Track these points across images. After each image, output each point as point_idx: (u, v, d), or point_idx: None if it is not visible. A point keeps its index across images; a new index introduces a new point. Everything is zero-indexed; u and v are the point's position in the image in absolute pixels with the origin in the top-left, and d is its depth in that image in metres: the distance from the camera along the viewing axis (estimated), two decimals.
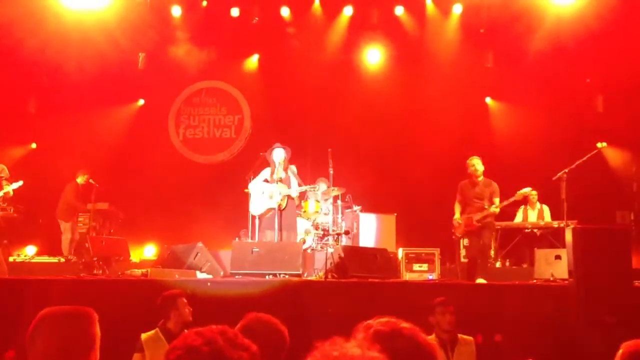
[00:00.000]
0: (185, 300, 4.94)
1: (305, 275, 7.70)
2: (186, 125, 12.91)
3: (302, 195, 9.11)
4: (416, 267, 8.28)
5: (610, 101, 11.18)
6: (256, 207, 8.54)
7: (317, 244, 9.52)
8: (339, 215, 9.95)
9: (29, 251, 10.97)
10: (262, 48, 12.59)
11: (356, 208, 10.24)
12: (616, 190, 10.77)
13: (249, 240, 8.81)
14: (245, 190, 8.88)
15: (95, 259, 8.68)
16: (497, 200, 7.93)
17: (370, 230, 10.27)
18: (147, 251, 11.35)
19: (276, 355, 2.56)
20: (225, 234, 10.14)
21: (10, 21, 10.23)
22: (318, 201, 9.58)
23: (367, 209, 10.41)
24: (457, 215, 8.09)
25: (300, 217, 9.20)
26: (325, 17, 12.09)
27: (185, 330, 1.77)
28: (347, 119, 11.53)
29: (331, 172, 8.82)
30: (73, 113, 11.80)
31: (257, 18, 11.96)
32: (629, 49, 10.32)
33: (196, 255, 7.81)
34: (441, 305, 4.94)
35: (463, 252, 9.95)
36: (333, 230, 9.54)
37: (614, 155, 10.84)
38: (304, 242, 9.14)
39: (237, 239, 9.50)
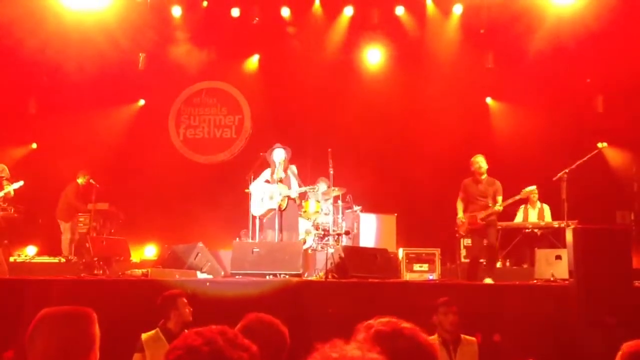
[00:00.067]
0: (186, 300, 4.95)
1: (305, 275, 7.70)
2: (186, 125, 12.91)
3: (303, 196, 9.11)
4: (416, 267, 8.29)
5: (610, 101, 11.17)
6: (257, 207, 8.55)
7: (318, 244, 9.52)
8: (340, 216, 9.95)
9: (30, 251, 10.98)
10: (263, 48, 12.59)
11: (356, 208, 10.23)
12: (616, 190, 10.77)
13: (250, 241, 8.81)
14: (246, 191, 8.88)
15: (95, 259, 8.68)
16: (500, 198, 7.94)
17: (370, 230, 10.27)
18: (148, 251, 11.35)
19: (277, 355, 2.56)
20: (225, 234, 10.13)
21: (10, 21, 10.24)
22: (318, 201, 9.58)
23: (367, 209, 10.41)
24: (460, 213, 8.09)
25: (300, 217, 9.20)
26: (325, 17, 12.08)
27: (186, 330, 1.77)
28: (347, 119, 11.53)
29: (331, 172, 8.82)
30: (73, 113, 11.80)
31: (257, 18, 11.95)
32: (629, 49, 10.32)
33: (197, 255, 7.81)
34: (444, 305, 4.95)
35: (463, 252, 9.98)
36: (333, 231, 9.54)
37: (614, 156, 10.83)
38: (305, 242, 9.13)
39: (237, 239, 9.50)
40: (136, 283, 6.82)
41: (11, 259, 9.46)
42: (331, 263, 7.49)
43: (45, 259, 10.16)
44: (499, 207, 7.92)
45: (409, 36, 11.94)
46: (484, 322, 5.83)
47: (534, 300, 6.28)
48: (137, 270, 7.47)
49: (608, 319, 5.31)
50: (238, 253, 7.54)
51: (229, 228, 10.35)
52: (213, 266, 7.93)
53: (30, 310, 3.03)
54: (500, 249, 9.41)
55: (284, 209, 8.38)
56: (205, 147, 12.81)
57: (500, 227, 9.29)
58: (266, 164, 8.70)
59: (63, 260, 10.06)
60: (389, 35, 12.06)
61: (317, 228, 9.57)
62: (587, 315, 5.49)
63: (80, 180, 10.93)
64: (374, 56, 12.31)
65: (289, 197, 8.40)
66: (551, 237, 9.33)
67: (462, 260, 9.81)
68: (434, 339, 4.82)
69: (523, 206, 9.87)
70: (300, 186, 8.54)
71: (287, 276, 7.07)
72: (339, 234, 9.59)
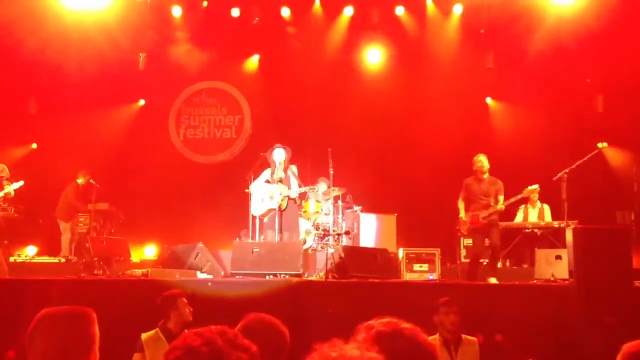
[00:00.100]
0: (186, 300, 4.95)
1: (306, 275, 7.70)
2: (186, 125, 12.91)
3: (303, 196, 9.11)
4: (416, 267, 8.30)
5: (610, 101, 11.17)
6: (257, 207, 8.55)
7: (318, 244, 9.52)
8: (340, 216, 9.95)
9: (30, 251, 10.98)
10: (263, 48, 12.59)
11: (356, 208, 10.23)
12: (616, 190, 10.77)
13: (250, 241, 8.81)
14: (246, 191, 8.88)
15: (95, 259, 8.68)
16: (501, 198, 7.95)
17: (370, 230, 10.26)
18: (148, 251, 11.35)
19: (277, 355, 2.56)
20: (225, 234, 10.13)
21: (10, 21, 10.24)
22: (318, 201, 9.58)
23: (367, 209, 10.41)
24: (462, 212, 8.09)
25: (300, 217, 9.19)
26: (325, 17, 12.08)
27: (186, 330, 1.77)
28: (347, 119, 11.53)
29: (331, 172, 8.82)
30: (73, 113, 11.80)
31: (257, 18, 11.95)
32: (629, 49, 10.32)
33: (197, 255, 7.81)
34: (445, 305, 4.96)
35: (463, 252, 9.98)
36: (333, 231, 9.53)
37: (614, 156, 10.83)
38: (305, 242, 9.13)
39: (237, 239, 9.49)
40: (136, 283, 6.81)
41: (11, 259, 9.46)
42: (331, 263, 7.49)
43: (45, 259, 10.16)
44: (501, 206, 7.93)
45: (409, 36, 11.94)
46: (484, 322, 5.83)
47: (534, 300, 6.28)
48: (137, 270, 7.47)
49: (608, 319, 5.31)
50: (238, 253, 7.54)
51: (229, 228, 10.34)
52: (213, 266, 7.93)
53: (30, 310, 3.03)
54: (500, 249, 9.41)
55: (284, 209, 8.38)
56: (205, 147, 12.81)
57: (500, 227, 9.30)
58: (266, 164, 8.70)
59: (63, 260, 10.06)
60: (389, 35, 12.06)
61: (317, 228, 9.56)
62: (587, 315, 5.49)
63: (80, 181, 10.94)
64: (374, 56, 12.31)
65: (288, 197, 8.40)
66: (551, 237, 9.33)
67: (462, 260, 9.81)
68: (435, 338, 4.83)
69: (523, 206, 9.87)
70: (300, 186, 8.54)
71: (287, 276, 7.07)
72: (339, 234, 9.59)
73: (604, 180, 10.55)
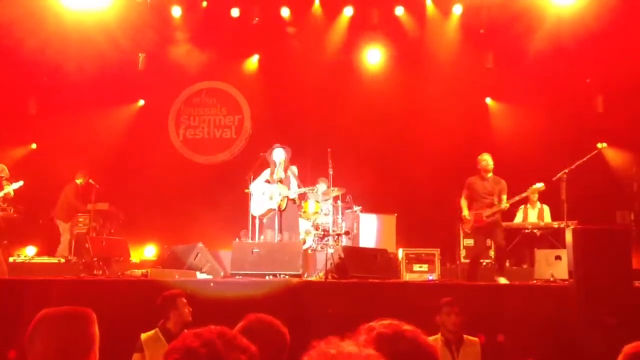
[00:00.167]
0: (185, 301, 4.94)
1: (305, 275, 7.70)
2: (186, 125, 12.91)
3: (303, 196, 9.11)
4: (416, 267, 8.30)
5: (610, 101, 11.17)
6: (257, 207, 8.55)
7: (318, 244, 9.52)
8: (339, 216, 9.95)
9: (29, 252, 10.97)
10: (262, 48, 12.59)
11: (356, 208, 10.23)
12: (616, 190, 10.77)
13: (249, 241, 8.81)
14: (246, 191, 8.88)
15: (95, 259, 8.68)
16: (504, 197, 7.96)
17: (370, 230, 10.26)
18: (147, 251, 11.34)
19: (277, 356, 2.56)
20: (225, 235, 10.13)
21: (10, 21, 10.24)
22: (318, 202, 9.58)
23: (367, 209, 10.41)
24: (465, 211, 8.07)
25: (300, 217, 9.20)
26: (325, 18, 12.08)
27: (185, 331, 1.77)
28: (347, 119, 11.53)
29: (331, 172, 8.82)
30: (73, 113, 11.80)
31: (257, 18, 11.95)
32: (629, 49, 10.32)
33: (196, 255, 7.81)
34: (447, 305, 4.98)
35: (463, 252, 9.98)
36: (333, 231, 9.54)
37: (614, 156, 10.83)
38: (304, 242, 9.13)
39: (237, 239, 9.50)
40: (136, 283, 6.81)
41: (11, 259, 9.45)
42: (331, 263, 7.49)
43: (45, 259, 10.16)
44: (505, 205, 7.95)
45: (409, 36, 11.94)
46: (484, 322, 5.83)
47: (533, 300, 6.27)
48: (136, 270, 7.47)
49: (608, 319, 5.31)
50: (238, 253, 7.54)
51: (228, 228, 10.34)
52: (213, 266, 7.93)
53: (30, 310, 3.03)
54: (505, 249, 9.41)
55: (284, 209, 8.38)
56: (205, 148, 12.81)
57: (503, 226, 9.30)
58: (266, 164, 8.69)
59: (62, 260, 10.06)
60: (388, 35, 12.06)
61: (317, 228, 9.57)
62: (587, 315, 5.49)
63: (79, 181, 10.95)
64: (373, 56, 12.30)
65: (288, 198, 8.40)
66: (551, 238, 9.33)
67: (462, 260, 9.81)
68: (436, 338, 4.86)
69: (523, 206, 9.87)
70: (299, 187, 8.54)
71: (287, 276, 7.07)
72: (338, 234, 9.59)
73: (603, 181, 10.55)
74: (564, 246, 6.99)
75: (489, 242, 8.99)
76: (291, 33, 12.21)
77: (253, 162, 9.03)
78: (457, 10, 11.66)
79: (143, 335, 4.76)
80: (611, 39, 10.39)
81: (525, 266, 9.40)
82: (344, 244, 9.45)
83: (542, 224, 9.67)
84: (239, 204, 9.63)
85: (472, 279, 7.71)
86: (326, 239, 9.50)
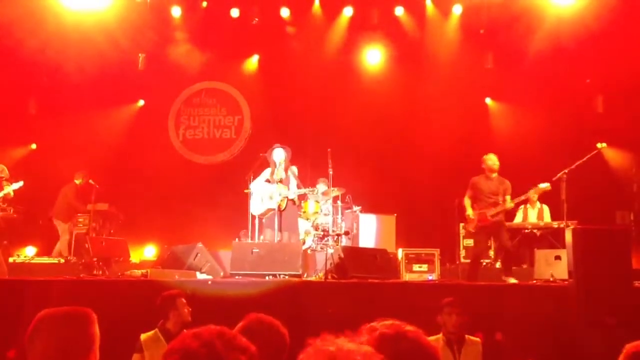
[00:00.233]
0: (185, 301, 4.94)
1: (305, 275, 7.70)
2: (186, 125, 12.90)
3: (302, 196, 9.11)
4: (416, 267, 8.30)
5: (610, 101, 11.17)
6: (256, 207, 8.55)
7: (317, 244, 9.52)
8: (339, 216, 9.95)
9: (29, 252, 10.98)
10: (262, 49, 12.59)
11: (356, 208, 10.23)
12: (616, 190, 10.76)
13: (249, 241, 8.81)
14: (246, 191, 8.89)
15: (95, 259, 8.67)
16: (508, 198, 7.97)
17: (370, 230, 10.27)
18: (147, 252, 11.34)
19: (276, 356, 2.55)
20: (225, 235, 10.13)
21: (10, 21, 10.24)
22: (318, 202, 9.58)
23: (367, 209, 10.41)
24: (469, 210, 8.05)
25: (300, 217, 9.20)
26: (325, 18, 12.09)
27: (185, 331, 1.76)
28: (347, 119, 11.53)
29: (331, 172, 8.82)
30: (73, 114, 11.80)
31: (257, 19, 11.96)
32: (629, 49, 10.32)
33: (196, 255, 7.81)
34: (448, 305, 5.00)
35: (463, 252, 9.98)
36: (333, 231, 9.53)
37: (614, 156, 10.83)
38: (304, 242, 9.13)
39: (237, 239, 9.49)
40: (135, 283, 6.81)
41: (10, 260, 9.45)
42: (331, 263, 7.49)
43: (45, 260, 10.16)
44: (510, 204, 7.98)
45: (409, 37, 11.94)
46: (484, 322, 5.82)
47: (533, 300, 6.28)
48: (136, 270, 7.47)
49: (608, 320, 5.31)
50: (237, 253, 7.54)
51: (228, 228, 10.34)
52: (212, 267, 7.92)
53: (30, 310, 3.03)
54: (499, 249, 9.41)
55: (283, 209, 8.38)
56: (204, 148, 12.80)
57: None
58: (266, 164, 8.70)
59: (62, 260, 10.06)
60: (388, 35, 12.06)
61: (316, 228, 9.57)
62: (587, 315, 5.49)
63: (77, 181, 10.95)
64: (373, 56, 12.30)
65: (287, 198, 8.40)
66: (550, 238, 9.33)
67: (462, 260, 9.81)
68: (437, 338, 4.88)
69: (522, 206, 9.86)
70: (299, 187, 8.54)
71: (286, 277, 7.07)
72: (338, 235, 9.59)
73: (603, 181, 10.55)
74: (563, 246, 6.99)
75: (490, 243, 9.00)
76: (291, 33, 12.21)
77: (253, 162, 9.03)
78: (457, 10, 11.66)
79: (143, 336, 4.76)
80: (611, 39, 10.39)
81: (525, 266, 9.40)
82: (343, 244, 9.45)
83: (542, 224, 9.67)
84: (238, 204, 9.63)
85: (472, 279, 7.71)
86: (326, 239, 9.50)
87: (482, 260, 8.82)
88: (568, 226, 7.38)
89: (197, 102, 12.95)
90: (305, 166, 10.40)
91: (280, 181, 8.45)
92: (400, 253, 8.56)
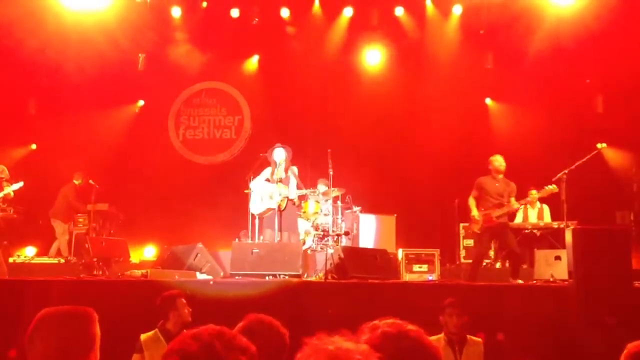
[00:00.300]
0: (185, 301, 4.94)
1: (305, 276, 7.70)
2: (186, 126, 12.90)
3: (303, 196, 9.11)
4: (416, 267, 8.29)
5: (610, 101, 11.17)
6: (256, 206, 8.55)
7: (317, 244, 9.51)
8: (339, 216, 9.94)
9: (29, 252, 10.98)
10: (262, 49, 12.59)
11: (356, 209, 10.23)
12: (616, 190, 10.77)
13: (249, 241, 8.81)
14: (246, 191, 8.89)
15: (95, 259, 8.67)
16: (513, 199, 7.98)
17: (370, 231, 10.26)
18: (147, 252, 11.33)
19: (276, 356, 2.55)
20: (225, 235, 10.13)
21: (10, 21, 10.24)
22: (318, 202, 9.58)
23: (367, 209, 10.40)
24: (474, 211, 8.04)
25: (300, 217, 9.20)
26: (325, 18, 12.09)
27: (185, 331, 1.76)
28: (347, 119, 11.54)
29: (331, 172, 8.82)
30: (73, 114, 11.80)
31: (257, 19, 11.96)
32: (629, 49, 10.32)
33: (196, 256, 7.81)
34: (450, 306, 5.02)
35: (463, 252, 9.98)
36: (333, 231, 9.53)
37: (614, 156, 10.83)
38: (304, 242, 9.13)
39: (237, 239, 9.49)
40: (135, 284, 6.81)
41: (10, 260, 9.46)
42: (331, 264, 7.49)
43: (45, 260, 10.17)
44: (516, 205, 8.05)
45: (409, 37, 11.94)
46: (484, 322, 5.82)
47: (533, 300, 6.27)
48: (136, 271, 7.47)
49: (608, 320, 5.31)
50: (238, 254, 7.54)
51: (228, 229, 10.34)
52: (212, 267, 7.92)
53: (30, 310, 3.03)
54: (499, 250, 9.42)
55: (283, 209, 8.38)
56: (204, 148, 12.81)
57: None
58: (266, 164, 8.69)
59: (62, 260, 10.06)
60: (388, 36, 12.06)
61: (316, 229, 9.56)
62: (587, 315, 5.49)
63: (76, 182, 10.96)
64: (373, 57, 12.30)
65: (287, 198, 8.40)
66: (550, 238, 9.34)
67: (462, 260, 9.81)
68: (439, 338, 4.90)
69: (522, 206, 9.86)
70: (299, 187, 8.54)
71: (286, 277, 7.07)
72: (338, 235, 9.58)
73: (603, 181, 10.55)
74: (563, 246, 6.99)
75: (493, 245, 9.00)
76: (291, 33, 12.21)
77: (253, 162, 9.03)
78: (457, 10, 11.66)
79: (143, 336, 4.76)
80: (611, 39, 10.39)
81: (525, 266, 9.38)
82: (343, 244, 9.45)
83: (542, 224, 9.68)
84: (238, 205, 9.63)
85: (472, 280, 7.71)
86: (326, 239, 9.49)
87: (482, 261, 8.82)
88: (568, 226, 7.38)
89: (197, 102, 12.96)
90: (305, 166, 10.40)
91: (280, 181, 8.44)
92: (400, 253, 8.55)
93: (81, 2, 10.99)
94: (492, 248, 9.22)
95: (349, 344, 1.40)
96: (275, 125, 11.84)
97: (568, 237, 5.92)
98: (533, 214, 9.92)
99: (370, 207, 10.50)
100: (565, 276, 6.25)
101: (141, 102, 12.84)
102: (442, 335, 4.96)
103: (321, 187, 9.58)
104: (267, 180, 8.51)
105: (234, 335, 1.62)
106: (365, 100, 11.82)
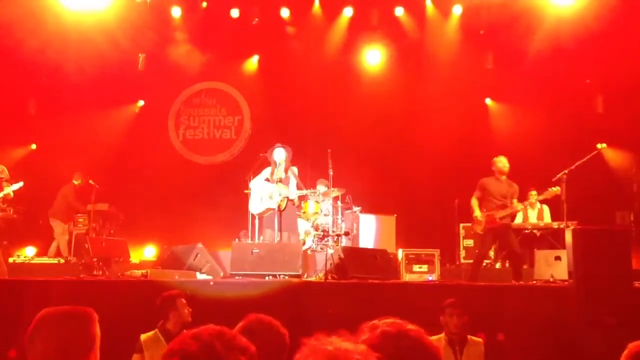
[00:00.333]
0: (185, 301, 4.94)
1: (305, 276, 7.69)
2: (186, 126, 12.91)
3: (303, 196, 9.11)
4: (416, 268, 8.29)
5: (610, 101, 11.17)
6: (256, 206, 8.54)
7: (317, 245, 9.51)
8: (339, 216, 9.94)
9: (29, 252, 10.98)
10: (262, 49, 12.59)
11: (356, 209, 10.23)
12: (616, 191, 10.77)
13: (249, 241, 8.81)
14: (246, 191, 8.89)
15: (95, 259, 8.67)
16: (515, 200, 7.98)
17: (370, 231, 10.26)
18: (147, 252, 11.33)
19: (276, 356, 2.55)
20: (225, 235, 10.13)
21: (10, 21, 10.24)
22: (318, 202, 9.58)
23: (367, 209, 10.40)
24: (477, 212, 8.02)
25: (300, 218, 9.19)
26: (325, 18, 12.09)
27: (185, 331, 1.76)
28: (347, 119, 11.54)
29: (331, 173, 8.81)
30: (73, 114, 11.80)
31: (257, 19, 11.96)
32: (629, 49, 10.32)
33: (196, 256, 7.81)
34: (450, 306, 5.03)
35: (463, 253, 9.98)
36: (333, 231, 9.53)
37: (613, 156, 10.83)
38: (304, 243, 9.13)
39: (237, 239, 9.49)
40: (135, 284, 6.80)
41: (10, 260, 9.46)
42: (331, 264, 7.49)
43: (45, 260, 10.17)
44: (520, 206, 8.09)
45: (409, 37, 11.94)
46: (484, 322, 5.82)
47: (533, 300, 6.27)
48: (136, 271, 7.46)
49: (608, 320, 5.31)
50: (237, 254, 7.54)
51: (228, 229, 10.34)
52: (212, 267, 7.92)
53: (30, 310, 3.03)
54: (499, 250, 9.42)
55: (283, 209, 8.37)
56: (204, 148, 12.81)
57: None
58: (266, 164, 8.69)
59: (62, 261, 10.06)
60: (388, 36, 12.06)
61: (316, 229, 9.56)
62: (587, 316, 5.49)
63: (76, 182, 10.96)
64: (373, 57, 12.30)
65: (287, 198, 8.40)
66: (550, 238, 9.33)
67: (462, 261, 9.81)
68: (439, 338, 4.90)
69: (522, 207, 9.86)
70: (299, 187, 8.54)
71: (286, 277, 7.06)
72: (338, 235, 9.58)
73: (603, 181, 10.55)
74: (563, 246, 6.99)
75: (494, 247, 9.00)
76: (291, 33, 12.21)
77: (253, 162, 9.02)
78: (457, 10, 11.66)
79: (143, 336, 4.76)
80: (611, 39, 10.39)
81: (525, 267, 9.37)
82: (343, 244, 9.45)
83: (541, 224, 9.68)
84: (238, 205, 9.63)
85: (473, 280, 7.71)
86: (326, 239, 9.49)
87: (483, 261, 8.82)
88: (568, 226, 7.38)
89: (197, 102, 12.96)
90: (305, 166, 10.40)
91: (280, 181, 8.44)
92: (400, 253, 8.55)
93: (81, 2, 10.99)
94: (492, 248, 9.20)
95: (348, 344, 1.40)
96: (275, 125, 11.84)
97: (568, 237, 5.91)
98: (533, 214, 9.91)
99: (370, 207, 10.50)
100: (565, 276, 6.25)
101: (141, 102, 12.84)
102: (442, 335, 4.97)
103: (321, 188, 9.58)
104: (267, 180, 8.50)
105: (234, 335, 1.61)
106: (365, 100, 11.82)
